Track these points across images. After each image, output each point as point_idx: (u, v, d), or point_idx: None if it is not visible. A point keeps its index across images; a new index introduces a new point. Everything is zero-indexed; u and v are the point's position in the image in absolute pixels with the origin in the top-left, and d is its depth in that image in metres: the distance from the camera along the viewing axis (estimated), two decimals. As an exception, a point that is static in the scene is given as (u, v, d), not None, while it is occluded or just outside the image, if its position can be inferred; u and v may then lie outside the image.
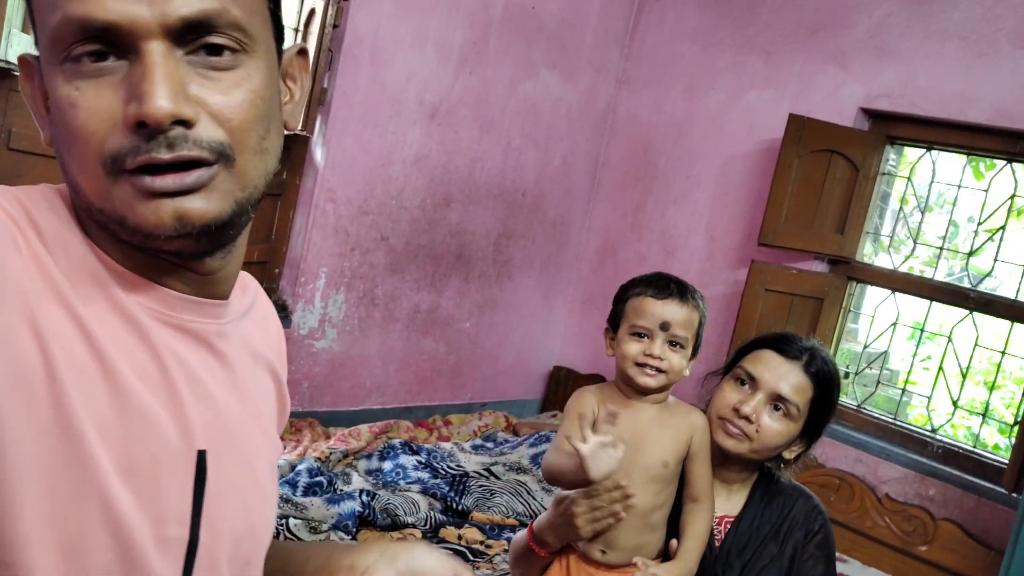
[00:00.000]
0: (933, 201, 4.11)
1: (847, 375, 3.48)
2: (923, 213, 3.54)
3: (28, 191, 0.64)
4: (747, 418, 1.45)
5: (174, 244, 0.62)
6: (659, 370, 1.45)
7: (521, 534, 1.56)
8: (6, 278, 0.56)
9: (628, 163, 4.08)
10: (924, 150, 3.35)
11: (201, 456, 0.68)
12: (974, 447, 3.17)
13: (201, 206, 0.61)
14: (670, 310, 1.46)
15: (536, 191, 3.91)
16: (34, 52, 0.65)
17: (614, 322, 1.52)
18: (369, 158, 3.29)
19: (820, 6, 3.45)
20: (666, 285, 1.47)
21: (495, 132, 3.66)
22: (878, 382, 3.51)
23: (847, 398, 3.44)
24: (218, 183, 0.61)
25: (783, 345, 1.51)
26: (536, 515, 2.85)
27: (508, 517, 2.81)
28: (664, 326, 1.45)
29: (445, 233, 3.62)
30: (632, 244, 4.03)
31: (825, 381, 1.50)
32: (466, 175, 3.62)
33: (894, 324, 3.39)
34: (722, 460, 1.53)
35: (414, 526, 2.61)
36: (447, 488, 2.86)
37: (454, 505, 2.79)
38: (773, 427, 1.46)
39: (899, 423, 3.30)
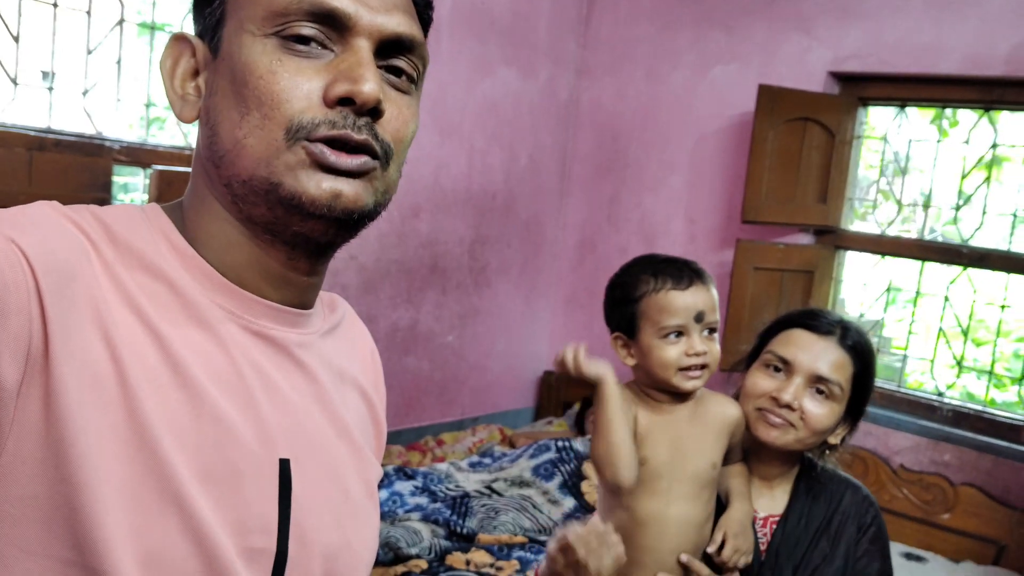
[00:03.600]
0: (907, 161, 4.03)
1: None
2: (903, 175, 3.46)
3: (110, 209, 0.66)
4: (788, 406, 1.33)
5: (310, 224, 0.64)
6: (703, 366, 1.31)
7: None
8: (77, 289, 0.58)
9: (597, 154, 3.95)
10: (897, 108, 3.27)
11: (284, 465, 0.67)
12: (985, 406, 3.08)
13: (355, 191, 0.64)
14: (700, 298, 1.30)
15: (506, 192, 3.78)
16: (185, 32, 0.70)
17: (626, 327, 1.35)
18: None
19: (776, -28, 3.36)
20: (680, 270, 1.31)
21: (457, 135, 3.52)
22: (877, 350, 3.41)
23: (848, 370, 3.34)
24: (373, 178, 0.66)
25: (812, 321, 1.38)
26: (545, 529, 2.71)
27: (516, 535, 2.66)
28: (699, 317, 1.29)
29: (416, 245, 3.47)
30: (611, 237, 3.91)
31: (863, 353, 1.38)
32: (432, 183, 3.47)
33: (888, 290, 3.29)
34: (762, 456, 1.41)
35: (419, 556, 2.45)
36: (449, 512, 2.70)
37: (458, 529, 2.63)
38: (818, 412, 1.33)
39: (904, 391, 3.21)
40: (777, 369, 1.37)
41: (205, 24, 0.68)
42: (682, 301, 1.29)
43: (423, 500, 2.79)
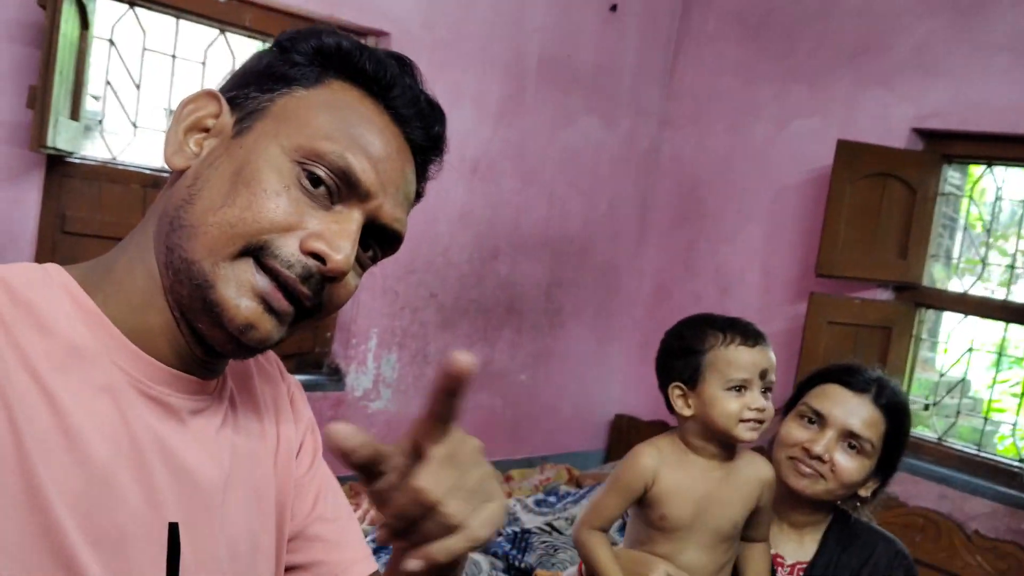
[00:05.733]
0: (1005, 219, 3.93)
1: (926, 407, 3.31)
2: (988, 233, 3.39)
3: (14, 267, 0.67)
4: (819, 458, 1.37)
5: (215, 332, 0.67)
6: (760, 422, 1.36)
7: None
8: None
9: (676, 203, 4.02)
10: (984, 166, 3.22)
11: (173, 528, 0.67)
12: (1069, 476, 2.96)
13: (269, 329, 0.67)
14: (764, 356, 1.36)
15: (583, 237, 3.88)
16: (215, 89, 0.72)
17: (688, 377, 1.38)
18: (413, 217, 3.25)
19: (860, 30, 3.38)
20: (747, 329, 1.37)
21: (537, 182, 3.65)
22: (958, 412, 3.32)
23: (927, 431, 3.26)
24: (287, 323, 0.68)
25: (848, 378, 1.43)
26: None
27: (573, 574, 2.71)
28: (763, 374, 1.36)
29: (494, 286, 3.60)
30: (686, 284, 3.95)
31: (896, 412, 1.42)
32: (511, 227, 3.61)
33: (970, 350, 3.21)
34: (792, 503, 1.45)
35: (476, 587, 2.54)
36: (508, 546, 2.78)
37: (516, 563, 2.71)
38: (848, 465, 1.38)
39: (984, 454, 3.11)
40: (811, 421, 1.42)
41: (245, 105, 0.70)
42: (750, 357, 1.35)
43: (485, 533, 2.87)
